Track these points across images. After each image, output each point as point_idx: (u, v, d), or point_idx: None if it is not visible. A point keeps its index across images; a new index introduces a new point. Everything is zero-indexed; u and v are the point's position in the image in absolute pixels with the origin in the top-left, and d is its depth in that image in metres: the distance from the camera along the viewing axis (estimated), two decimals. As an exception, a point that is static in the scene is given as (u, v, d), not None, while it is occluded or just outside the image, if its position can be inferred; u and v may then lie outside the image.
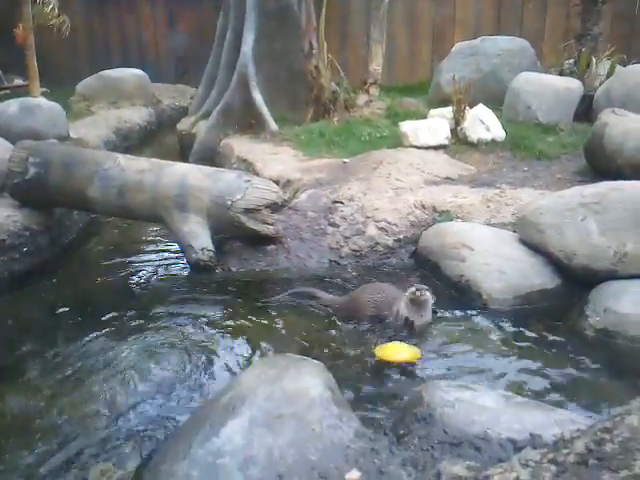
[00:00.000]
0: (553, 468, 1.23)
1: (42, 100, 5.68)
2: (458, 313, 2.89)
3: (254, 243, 3.59)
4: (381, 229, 3.63)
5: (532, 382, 2.30)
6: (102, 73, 8.03)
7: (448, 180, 4.25)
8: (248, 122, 6.22)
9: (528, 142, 4.91)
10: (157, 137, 7.89)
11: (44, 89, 7.23)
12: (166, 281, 3.45)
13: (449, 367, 2.42)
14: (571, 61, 6.15)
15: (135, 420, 2.07)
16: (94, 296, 3.27)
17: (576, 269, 2.90)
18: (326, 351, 2.55)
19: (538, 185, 4.07)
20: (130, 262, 3.74)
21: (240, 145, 5.69)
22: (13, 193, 3.70)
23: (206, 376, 2.33)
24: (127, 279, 3.48)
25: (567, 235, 2.95)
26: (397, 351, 2.45)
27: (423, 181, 4.15)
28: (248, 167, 4.98)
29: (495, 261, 3.05)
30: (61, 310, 3.03)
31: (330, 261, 3.53)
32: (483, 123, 4.98)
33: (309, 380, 1.77)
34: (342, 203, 3.81)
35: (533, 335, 2.68)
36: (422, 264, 3.44)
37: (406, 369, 2.39)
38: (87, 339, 2.65)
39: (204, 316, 2.86)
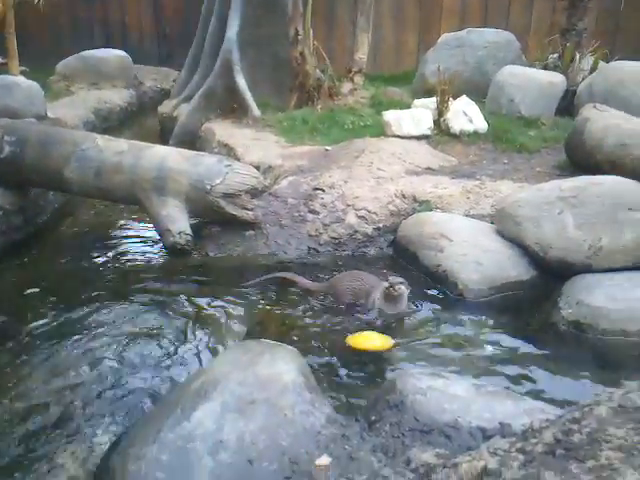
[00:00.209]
0: (521, 457, 1.24)
1: (20, 78, 5.54)
2: (434, 303, 2.91)
3: (233, 228, 3.56)
4: (361, 217, 3.62)
5: (504, 372, 2.32)
6: (83, 53, 7.86)
7: (429, 170, 4.25)
8: (231, 107, 6.14)
9: (510, 135, 4.92)
10: (138, 119, 7.77)
11: (23, 68, 7.07)
12: (141, 264, 3.40)
13: (422, 355, 2.43)
14: (555, 55, 6.17)
15: (104, 403, 2.05)
16: (66, 277, 3.21)
17: (551, 261, 2.93)
18: (301, 337, 2.55)
19: (518, 178, 4.10)
20: (105, 244, 3.69)
21: (222, 130, 5.62)
22: (-13, 171, 3.62)
23: (178, 360, 2.31)
24: (101, 261, 3.43)
25: (544, 228, 2.97)
26: (369, 339, 2.47)
27: (404, 171, 4.15)
28: (229, 152, 4.92)
29: (472, 252, 3.06)
30: (30, 290, 2.98)
31: (309, 248, 3.51)
32: (466, 115, 4.98)
33: (282, 366, 1.77)
34: (323, 190, 3.80)
35: (507, 326, 2.71)
36: (400, 253, 3.44)
37: (380, 357, 2.40)
38: (56, 320, 2.61)
39: (178, 300, 2.84)
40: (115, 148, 3.52)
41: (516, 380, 2.26)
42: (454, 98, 5.07)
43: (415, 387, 1.73)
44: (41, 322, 2.60)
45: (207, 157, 3.62)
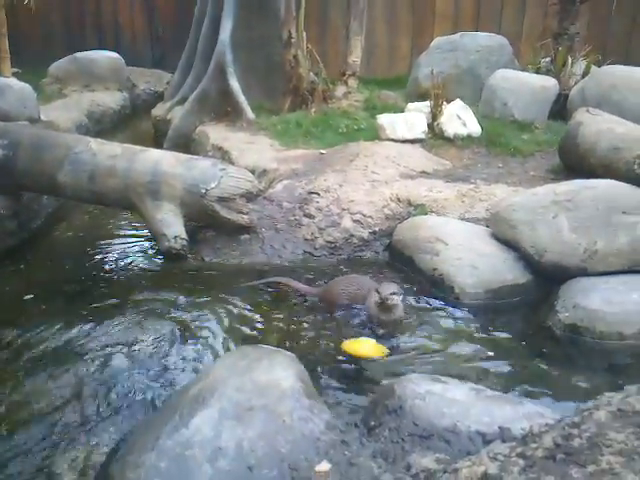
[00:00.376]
0: (521, 462, 1.24)
1: (13, 80, 5.50)
2: (430, 306, 2.91)
3: (228, 232, 3.55)
4: (356, 221, 3.62)
5: (502, 376, 2.32)
6: (76, 55, 7.81)
7: (424, 174, 4.26)
8: (224, 110, 6.13)
9: (503, 139, 4.94)
10: (131, 122, 7.73)
11: (15, 69, 7.02)
12: (136, 269, 3.39)
13: (419, 360, 2.43)
14: (548, 60, 6.20)
15: (102, 409, 2.03)
16: (61, 283, 3.19)
17: (547, 265, 2.94)
18: (299, 342, 2.54)
19: (512, 182, 4.11)
20: (100, 249, 3.67)
21: (216, 133, 5.61)
22: (-21, 175, 3.59)
23: (176, 366, 2.30)
24: (96, 266, 3.41)
25: (539, 232, 2.98)
26: (363, 346, 2.48)
27: (399, 174, 4.16)
28: (223, 155, 4.92)
29: (468, 256, 3.07)
30: (27, 297, 2.95)
31: (304, 252, 3.51)
32: (460, 118, 5.00)
33: (281, 372, 1.75)
34: (318, 194, 3.80)
35: (504, 329, 2.71)
36: (396, 257, 3.44)
37: (378, 362, 2.40)
38: (53, 326, 2.59)
39: (175, 305, 2.82)
40: (109, 152, 3.50)
41: (514, 384, 2.26)
42: (447, 102, 5.09)
43: (414, 392, 1.73)
44: (37, 329, 2.58)
45: (202, 161, 3.61)
